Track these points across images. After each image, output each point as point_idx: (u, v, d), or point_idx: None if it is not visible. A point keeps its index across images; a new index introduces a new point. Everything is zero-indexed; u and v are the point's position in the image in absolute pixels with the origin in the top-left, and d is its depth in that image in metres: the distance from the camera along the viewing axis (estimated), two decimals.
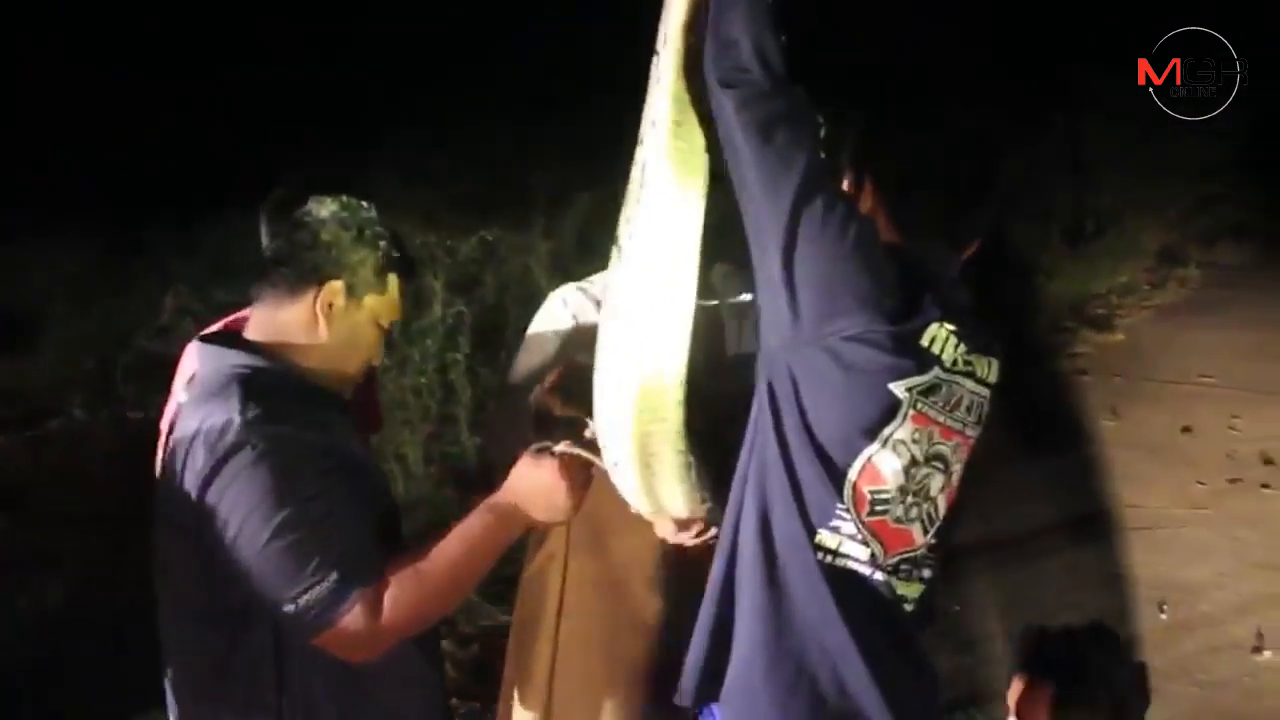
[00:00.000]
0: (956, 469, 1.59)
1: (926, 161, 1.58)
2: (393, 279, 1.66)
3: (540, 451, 1.64)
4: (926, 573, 1.60)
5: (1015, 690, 2.17)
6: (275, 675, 1.53)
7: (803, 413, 1.47)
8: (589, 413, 1.66)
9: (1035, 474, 5.29)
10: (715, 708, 1.59)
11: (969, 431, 1.59)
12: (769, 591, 1.51)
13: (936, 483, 1.56)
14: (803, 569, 1.49)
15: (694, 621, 1.60)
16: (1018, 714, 2.16)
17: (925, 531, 1.57)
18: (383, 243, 1.65)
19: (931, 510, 1.57)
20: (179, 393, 1.62)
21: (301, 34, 7.89)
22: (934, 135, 1.62)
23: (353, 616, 1.45)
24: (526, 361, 2.35)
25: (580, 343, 2.28)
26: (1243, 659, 3.74)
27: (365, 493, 1.57)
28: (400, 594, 1.50)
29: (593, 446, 1.66)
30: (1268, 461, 5.31)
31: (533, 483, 1.62)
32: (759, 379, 1.54)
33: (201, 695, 1.58)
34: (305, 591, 1.42)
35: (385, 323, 1.68)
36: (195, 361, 1.60)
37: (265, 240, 2.37)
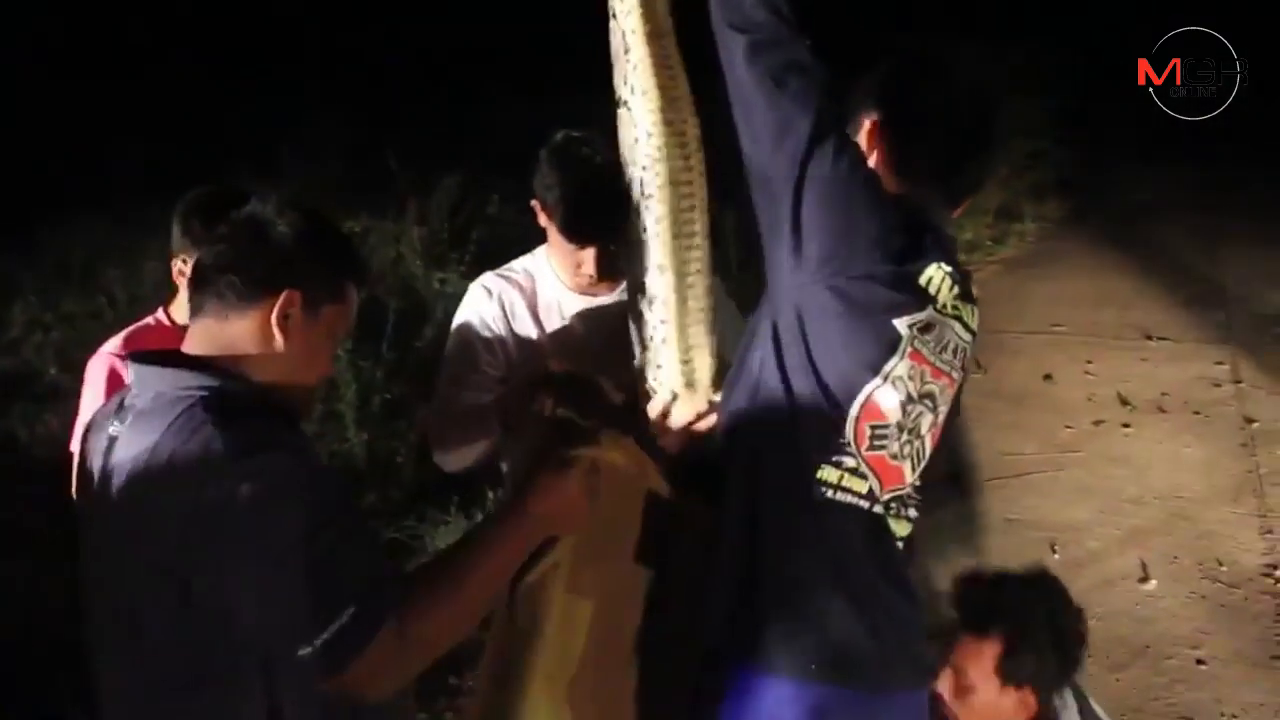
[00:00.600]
0: (943, 410, 1.64)
1: (934, 111, 1.60)
2: (350, 288, 1.54)
3: (559, 462, 1.57)
4: (913, 512, 1.64)
5: (961, 645, 2.21)
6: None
7: (809, 351, 1.50)
8: (582, 414, 1.66)
9: None
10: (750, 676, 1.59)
11: (954, 374, 1.63)
12: (760, 529, 1.54)
13: (926, 421, 1.60)
14: (801, 503, 1.52)
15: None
16: (962, 669, 2.20)
17: (914, 469, 1.61)
18: (340, 249, 1.55)
19: (920, 448, 1.61)
20: (105, 420, 1.45)
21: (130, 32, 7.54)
22: (939, 85, 1.63)
23: (378, 647, 1.32)
24: (461, 355, 2.28)
25: (513, 331, 2.23)
26: (1131, 589, 3.94)
27: (359, 515, 1.44)
28: (428, 615, 1.40)
29: (618, 446, 1.67)
30: (1124, 403, 5.61)
31: (560, 496, 1.55)
32: (760, 319, 1.57)
33: None
34: (324, 629, 1.28)
35: (340, 333, 1.56)
36: (133, 383, 1.44)
37: (182, 243, 2.23)
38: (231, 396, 1.38)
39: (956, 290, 1.59)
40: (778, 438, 1.53)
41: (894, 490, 1.59)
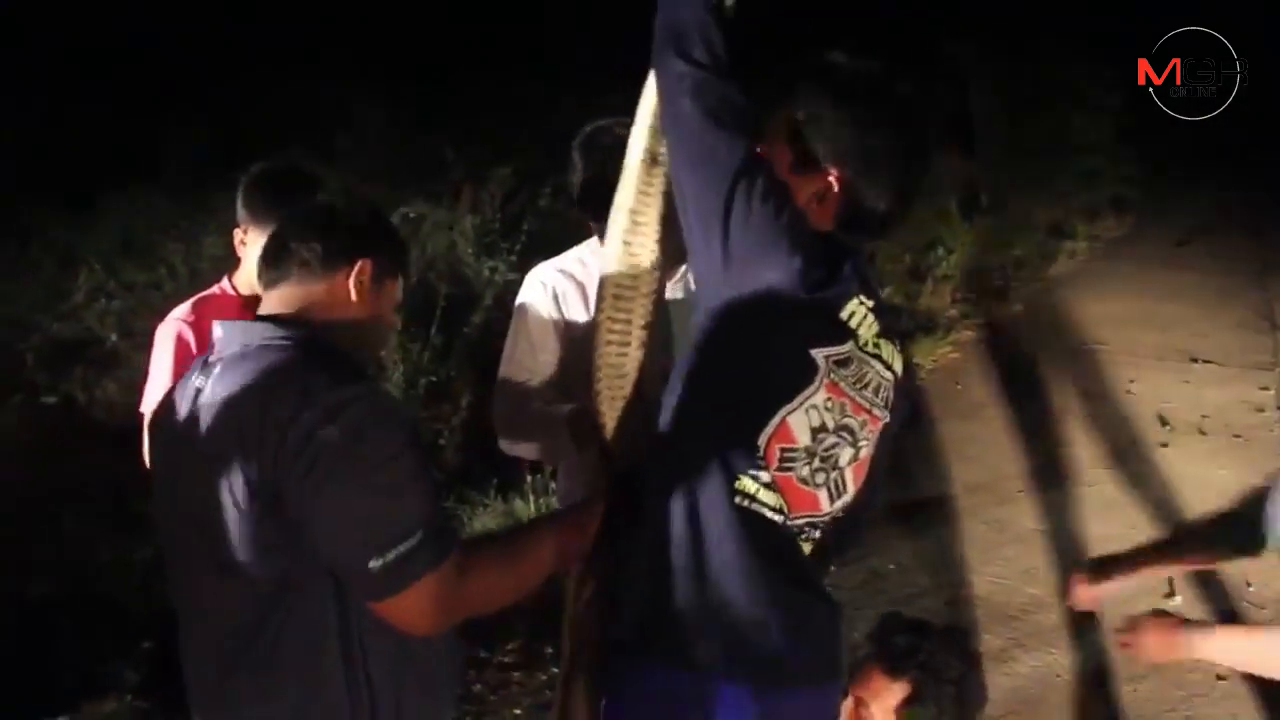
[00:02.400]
0: (865, 447, 1.66)
1: (894, 170, 1.63)
2: (407, 264, 1.78)
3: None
4: (818, 534, 1.67)
5: (870, 679, 2.26)
6: (339, 645, 1.52)
7: (731, 368, 1.57)
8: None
9: (955, 437, 5.51)
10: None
11: (876, 413, 1.66)
12: (689, 527, 1.58)
13: (845, 455, 1.63)
14: (721, 508, 1.57)
15: None
16: (864, 701, 2.25)
17: (831, 500, 1.64)
18: (396, 232, 1.81)
19: (839, 480, 1.64)
20: (189, 377, 1.61)
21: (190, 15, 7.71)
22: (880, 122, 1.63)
23: (437, 578, 1.44)
24: (519, 351, 2.38)
25: (571, 326, 2.31)
26: (1156, 604, 3.94)
27: (425, 459, 1.57)
28: (487, 566, 1.55)
29: None
30: (1164, 423, 5.61)
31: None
32: (693, 333, 1.62)
33: (241, 664, 1.53)
34: (393, 547, 1.40)
35: (395, 305, 1.75)
36: (219, 341, 1.59)
37: (245, 215, 2.34)
38: (314, 342, 1.55)
39: (877, 327, 1.64)
40: (702, 444, 1.58)
41: (807, 516, 1.63)
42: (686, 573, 1.57)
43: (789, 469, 1.57)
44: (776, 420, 1.55)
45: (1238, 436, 5.42)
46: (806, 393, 1.55)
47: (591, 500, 1.73)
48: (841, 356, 1.58)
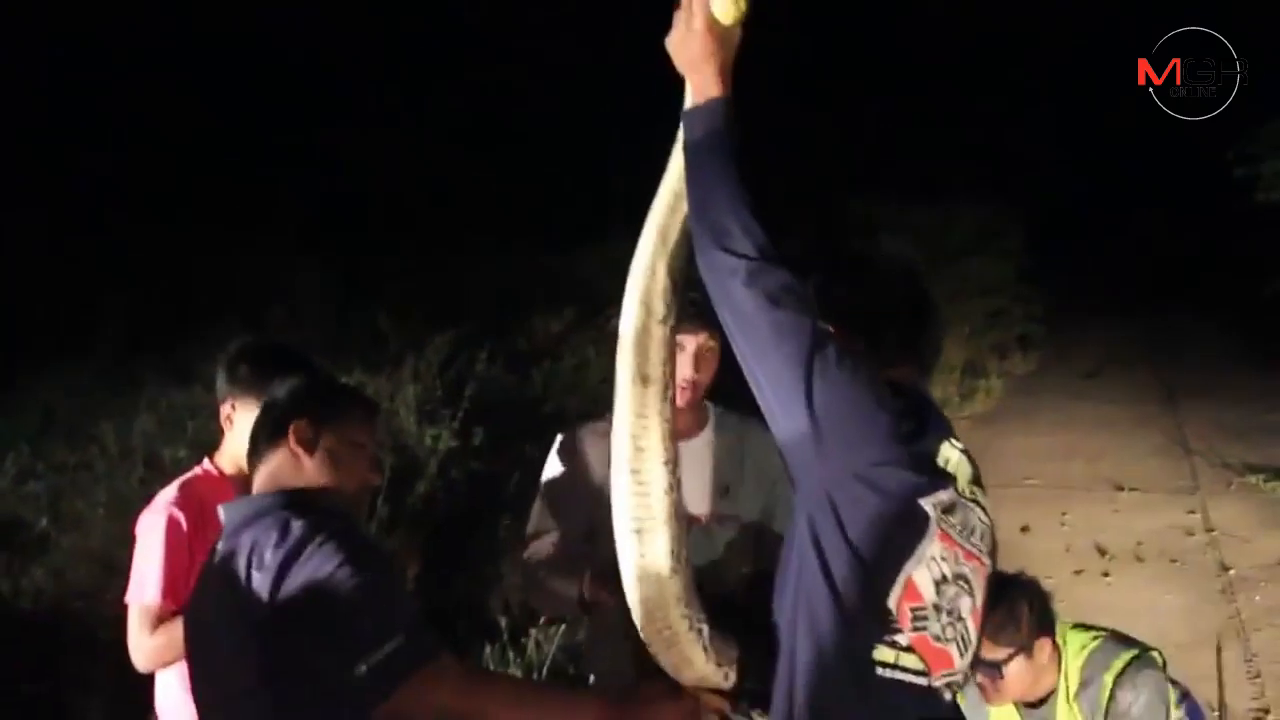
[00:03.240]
0: (979, 595, 1.66)
1: (874, 301, 1.74)
2: (350, 408, 1.87)
3: (672, 688, 1.70)
4: (951, 697, 1.65)
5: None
6: None
7: (847, 539, 1.54)
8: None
9: None
10: None
11: (985, 559, 1.67)
12: (827, 702, 1.55)
13: (965, 604, 1.62)
14: (857, 683, 1.54)
15: None
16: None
17: (961, 655, 1.62)
18: (327, 389, 1.94)
19: (965, 632, 1.62)
20: (211, 556, 1.74)
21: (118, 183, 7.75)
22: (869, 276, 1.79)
23: (433, 673, 1.54)
24: (543, 514, 2.36)
25: (593, 483, 2.31)
26: None
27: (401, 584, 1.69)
28: (499, 687, 1.71)
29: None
30: (1102, 552, 5.73)
31: (662, 717, 1.70)
32: (796, 518, 1.62)
33: None
34: (378, 649, 1.50)
35: (362, 442, 1.85)
36: (226, 522, 1.74)
37: (228, 390, 2.34)
38: (299, 502, 1.70)
39: (971, 471, 1.68)
40: (829, 619, 1.55)
41: (945, 675, 1.60)
42: None
43: (922, 628, 1.55)
44: (901, 579, 1.53)
45: (1174, 561, 5.55)
46: (923, 546, 1.54)
47: (623, 699, 1.73)
48: (947, 503, 1.59)
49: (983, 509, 1.69)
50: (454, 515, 5.10)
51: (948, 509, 1.59)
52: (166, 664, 2.22)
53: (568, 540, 2.31)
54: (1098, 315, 12.86)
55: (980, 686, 2.39)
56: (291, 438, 1.75)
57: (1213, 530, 5.97)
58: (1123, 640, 2.52)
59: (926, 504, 1.56)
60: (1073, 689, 2.44)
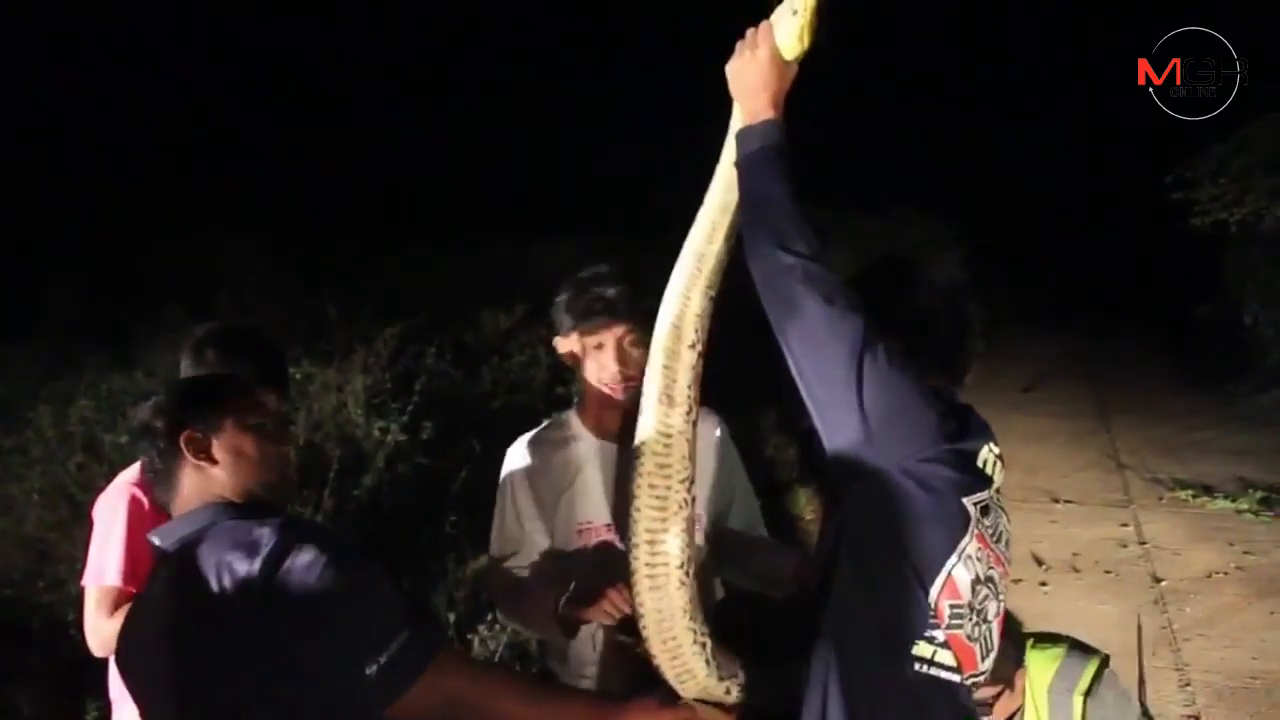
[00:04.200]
0: (1003, 599, 1.70)
1: (917, 316, 1.78)
2: (229, 402, 1.75)
3: (665, 696, 1.74)
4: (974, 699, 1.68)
5: None
6: None
7: (892, 536, 1.58)
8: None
9: None
10: None
11: (1007, 566, 1.71)
12: (862, 702, 1.58)
13: (992, 608, 1.66)
14: (895, 678, 1.57)
15: None
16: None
17: (983, 658, 1.65)
18: (200, 388, 1.82)
19: (988, 635, 1.65)
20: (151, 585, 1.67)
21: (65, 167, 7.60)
22: (914, 291, 1.82)
23: (442, 668, 1.51)
24: (509, 524, 2.32)
25: (550, 487, 2.30)
26: None
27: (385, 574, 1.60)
28: (506, 682, 1.64)
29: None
30: (1039, 562, 5.83)
31: None
32: (833, 521, 1.66)
33: None
34: (384, 648, 1.46)
35: (267, 435, 1.75)
36: (160, 542, 1.64)
37: (194, 373, 2.29)
38: (237, 511, 1.63)
39: (1002, 477, 1.72)
40: (867, 617, 1.59)
41: (971, 676, 1.63)
42: None
43: (958, 626, 1.58)
44: (944, 575, 1.57)
45: (1109, 573, 5.67)
46: (963, 543, 1.58)
47: (613, 708, 1.72)
48: (984, 504, 1.63)
49: (1007, 515, 1.74)
50: (400, 509, 5.05)
51: (984, 510, 1.63)
52: None
53: (536, 560, 2.29)
54: (1034, 332, 13.09)
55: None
56: (187, 453, 1.66)
57: (1145, 543, 6.11)
58: (1080, 650, 2.56)
59: (968, 502, 1.60)
60: (1044, 710, 2.46)
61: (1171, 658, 4.65)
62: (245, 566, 1.46)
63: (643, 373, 2.13)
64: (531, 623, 2.23)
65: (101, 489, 2.35)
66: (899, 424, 1.58)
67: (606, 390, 2.20)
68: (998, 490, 1.71)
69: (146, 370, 5.33)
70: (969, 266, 11.95)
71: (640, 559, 1.75)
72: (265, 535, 1.49)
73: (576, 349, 2.22)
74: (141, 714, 1.68)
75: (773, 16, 1.74)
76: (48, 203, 7.85)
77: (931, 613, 1.57)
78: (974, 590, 1.60)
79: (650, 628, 1.76)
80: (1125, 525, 6.44)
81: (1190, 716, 4.20)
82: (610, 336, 2.16)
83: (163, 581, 1.60)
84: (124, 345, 5.98)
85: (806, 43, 1.71)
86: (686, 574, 1.77)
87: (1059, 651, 2.53)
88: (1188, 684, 4.43)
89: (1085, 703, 2.41)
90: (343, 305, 6.06)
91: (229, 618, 1.47)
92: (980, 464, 1.66)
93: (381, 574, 1.56)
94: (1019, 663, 2.41)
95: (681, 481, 1.78)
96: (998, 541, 1.67)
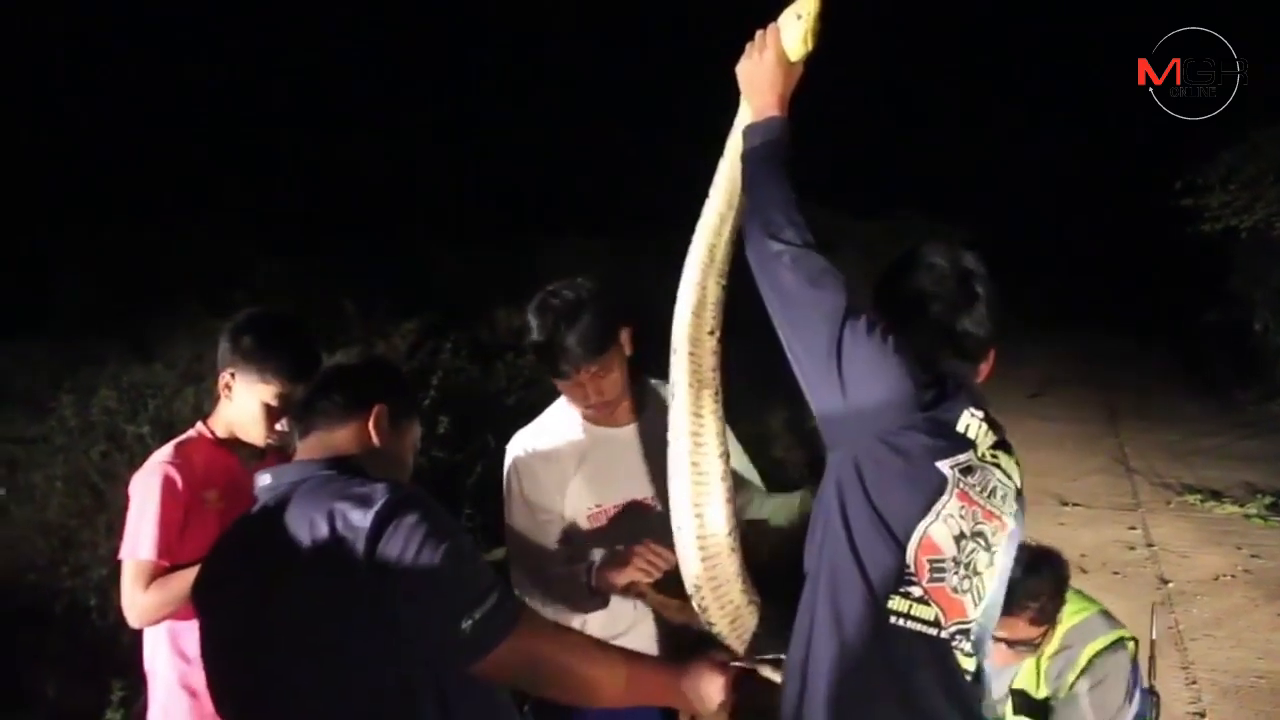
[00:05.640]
0: (999, 553, 1.78)
1: (909, 292, 1.85)
2: (413, 413, 1.91)
3: (719, 665, 1.82)
4: (968, 646, 1.76)
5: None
6: None
7: (868, 495, 1.68)
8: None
9: None
10: None
11: (1007, 519, 1.78)
12: (842, 651, 1.68)
13: (982, 559, 1.75)
14: (874, 630, 1.67)
15: None
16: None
17: (975, 605, 1.75)
18: (403, 382, 1.96)
19: (980, 586, 1.75)
20: (237, 528, 1.75)
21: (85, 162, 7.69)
22: (907, 269, 1.89)
23: (523, 631, 1.61)
24: (521, 516, 2.39)
25: (556, 477, 2.36)
26: None
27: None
28: (573, 643, 1.73)
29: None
30: None
31: (707, 688, 1.79)
32: (825, 483, 1.76)
33: None
34: (478, 607, 1.56)
35: (413, 443, 1.90)
36: (263, 488, 1.73)
37: (231, 359, 2.34)
38: (351, 470, 1.71)
39: (993, 438, 1.79)
40: (848, 572, 1.69)
41: (958, 623, 1.72)
42: (843, 697, 1.68)
43: (940, 580, 1.69)
44: (919, 534, 1.67)
45: (1116, 574, 5.72)
46: (940, 503, 1.68)
47: (671, 672, 1.81)
48: (965, 465, 1.71)
49: (1004, 473, 1.80)
50: None
51: (966, 470, 1.72)
52: (158, 620, 2.24)
53: (553, 547, 2.36)
54: (1043, 337, 13.12)
55: (998, 656, 2.48)
56: (371, 418, 1.78)
57: (1153, 545, 6.16)
58: (1110, 620, 2.63)
59: (943, 465, 1.69)
60: (1051, 648, 2.54)
61: (1178, 657, 4.70)
62: (358, 516, 1.55)
63: (616, 390, 2.29)
64: (561, 599, 2.28)
65: (124, 477, 2.40)
66: (876, 394, 1.68)
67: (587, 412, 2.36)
68: (993, 448, 1.79)
69: (166, 363, 5.41)
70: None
71: (689, 533, 1.85)
72: (378, 492, 1.58)
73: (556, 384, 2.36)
74: (206, 634, 1.74)
75: (779, 20, 1.86)
76: (61, 201, 7.93)
77: (909, 569, 1.67)
78: (958, 545, 1.70)
79: (708, 596, 1.86)
80: (1133, 528, 6.49)
81: (1196, 713, 4.25)
82: (578, 379, 2.26)
83: (266, 515, 1.67)
84: (141, 339, 6.06)
85: (810, 45, 1.85)
86: (735, 541, 1.88)
87: (1091, 606, 2.61)
88: (1194, 682, 4.48)
89: (1090, 659, 2.48)
90: (358, 302, 6.14)
91: (331, 560, 1.56)
92: (961, 429, 1.74)
93: (470, 541, 1.66)
94: (1060, 607, 2.52)
95: (719, 456, 1.88)
96: (990, 496, 1.75)
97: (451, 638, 1.56)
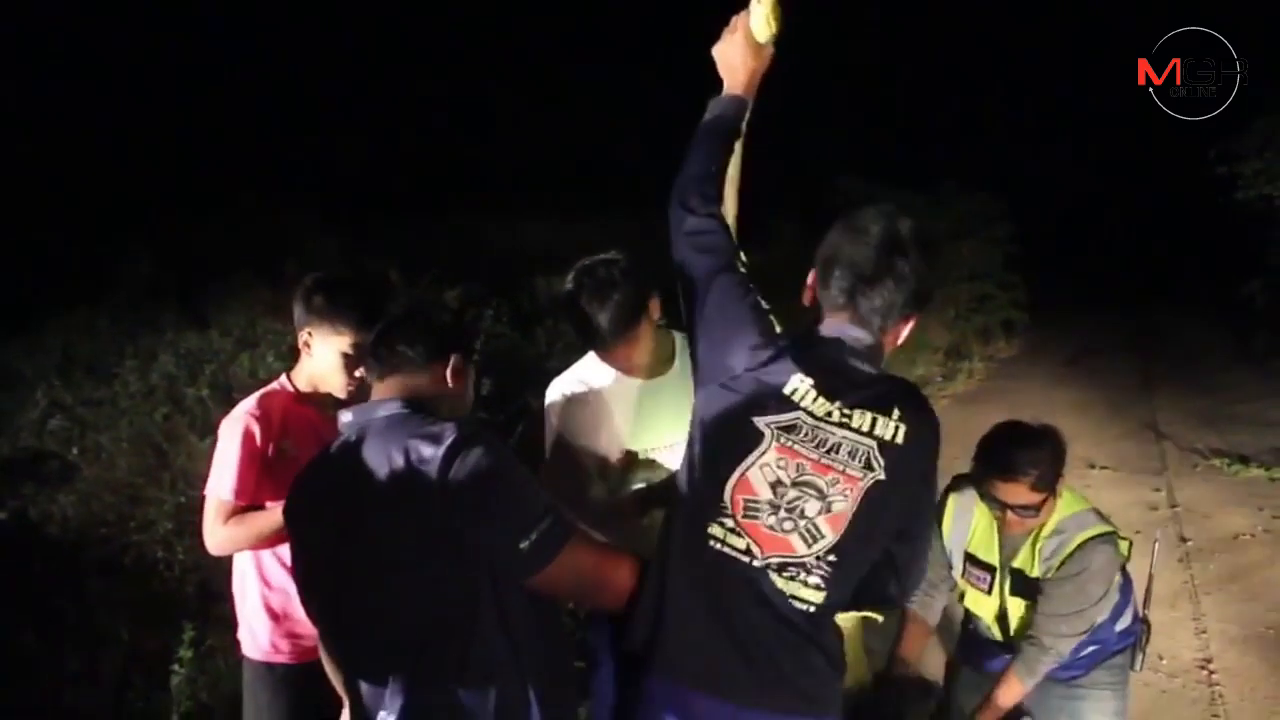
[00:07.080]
0: (839, 501, 1.89)
1: (839, 256, 1.94)
2: (475, 362, 2.15)
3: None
4: (814, 580, 1.89)
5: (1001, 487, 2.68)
6: (509, 638, 1.84)
7: (704, 436, 1.93)
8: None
9: None
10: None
11: (852, 472, 1.88)
12: (677, 564, 1.94)
13: (811, 506, 1.88)
14: (698, 552, 1.91)
15: None
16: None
17: (808, 544, 1.89)
18: (469, 331, 2.09)
19: (811, 528, 1.89)
20: (320, 463, 1.96)
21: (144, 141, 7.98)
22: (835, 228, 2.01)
23: (577, 548, 1.84)
24: (563, 441, 2.59)
25: (594, 417, 2.58)
26: None
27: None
28: (611, 554, 1.97)
29: None
30: None
31: None
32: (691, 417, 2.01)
33: (441, 674, 1.83)
34: (534, 528, 1.78)
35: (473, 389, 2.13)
36: (347, 425, 1.95)
37: (306, 319, 2.57)
38: (425, 411, 1.93)
39: (838, 402, 1.88)
40: (687, 499, 1.94)
41: (780, 555, 1.88)
42: (672, 600, 1.93)
43: (754, 517, 1.89)
44: (735, 477, 1.88)
45: (1138, 532, 5.84)
46: (756, 453, 1.88)
47: None
48: (787, 424, 1.88)
49: (857, 431, 1.88)
50: None
51: (787, 428, 1.87)
52: (230, 552, 2.53)
53: (591, 465, 2.58)
54: (1080, 306, 13.17)
55: (1008, 521, 2.68)
56: (450, 365, 1.99)
57: (1176, 507, 6.30)
58: (1103, 518, 2.79)
59: (760, 421, 1.88)
60: (1046, 531, 2.71)
61: (1190, 608, 4.86)
62: (429, 451, 1.76)
63: (645, 356, 2.50)
64: (596, 521, 2.44)
65: (186, 437, 2.63)
66: (719, 348, 1.94)
67: None
68: (847, 410, 1.88)
69: (222, 330, 5.68)
70: (1016, 241, 12.05)
71: None
72: (448, 430, 1.79)
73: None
74: (297, 552, 2.01)
75: (751, 5, 2.13)
76: (119, 183, 8.23)
77: (724, 504, 1.89)
78: (774, 490, 1.88)
79: None
80: (1158, 490, 6.62)
81: (1203, 659, 4.41)
82: (609, 350, 2.44)
83: (348, 449, 1.89)
84: (196, 308, 6.35)
85: (774, 27, 2.11)
86: None
87: (1088, 504, 2.77)
88: (1203, 632, 4.63)
89: (1081, 543, 2.65)
90: (405, 273, 6.38)
91: (406, 490, 1.77)
92: (788, 391, 1.89)
93: (529, 473, 1.86)
94: (1060, 476, 2.65)
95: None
96: (830, 452, 1.87)
97: (511, 555, 1.77)
